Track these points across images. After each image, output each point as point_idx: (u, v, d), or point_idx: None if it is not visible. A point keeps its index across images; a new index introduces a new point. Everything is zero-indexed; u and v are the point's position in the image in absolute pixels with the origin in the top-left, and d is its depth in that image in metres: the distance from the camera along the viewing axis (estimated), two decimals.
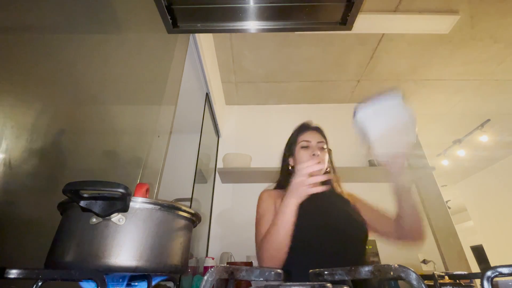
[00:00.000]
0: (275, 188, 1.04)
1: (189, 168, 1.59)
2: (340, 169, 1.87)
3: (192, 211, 0.41)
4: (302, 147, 0.98)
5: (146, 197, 0.42)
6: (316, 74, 2.11)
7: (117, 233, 0.33)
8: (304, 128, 1.04)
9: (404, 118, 0.69)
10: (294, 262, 0.83)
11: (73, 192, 0.32)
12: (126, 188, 0.32)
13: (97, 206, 0.33)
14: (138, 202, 0.35)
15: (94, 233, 0.33)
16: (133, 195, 0.38)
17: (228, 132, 2.26)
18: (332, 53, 1.90)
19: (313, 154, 0.94)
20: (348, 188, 2.10)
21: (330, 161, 1.05)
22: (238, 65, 2.01)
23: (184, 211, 0.39)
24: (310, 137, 0.99)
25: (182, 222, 0.39)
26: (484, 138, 2.79)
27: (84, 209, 0.33)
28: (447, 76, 2.10)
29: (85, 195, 0.33)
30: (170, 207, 0.37)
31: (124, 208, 0.33)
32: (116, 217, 0.33)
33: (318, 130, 1.04)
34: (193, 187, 1.46)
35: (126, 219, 0.34)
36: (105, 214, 0.33)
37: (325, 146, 0.98)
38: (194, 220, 0.42)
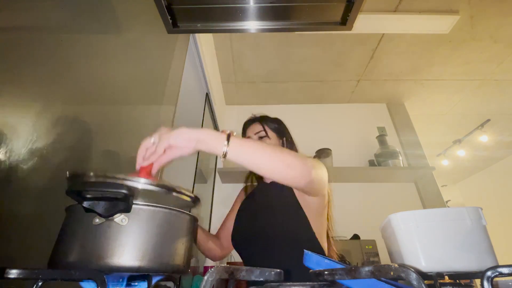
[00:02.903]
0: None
1: (189, 168, 1.59)
2: (340, 169, 1.89)
3: (192, 194, 0.41)
4: None
5: (151, 178, 0.42)
6: (316, 74, 2.11)
7: (120, 233, 0.33)
8: (245, 125, 1.04)
9: None
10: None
11: (77, 192, 0.32)
12: (129, 188, 0.32)
13: (100, 206, 0.33)
14: (140, 203, 0.35)
15: (97, 234, 0.33)
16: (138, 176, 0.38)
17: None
18: (332, 53, 1.90)
19: None
20: (348, 188, 2.10)
21: (284, 135, 1.00)
22: (238, 65, 2.01)
23: (185, 211, 0.39)
24: (250, 132, 0.98)
25: (185, 222, 0.39)
26: (484, 138, 2.79)
27: (87, 210, 0.33)
28: (447, 76, 2.10)
29: (88, 196, 0.33)
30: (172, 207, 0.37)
31: (127, 209, 0.33)
32: (118, 218, 0.33)
33: (256, 119, 1.02)
34: (193, 187, 1.46)
35: (129, 220, 0.34)
36: (108, 215, 0.33)
37: (263, 134, 0.95)
38: (196, 219, 0.42)
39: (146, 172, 0.48)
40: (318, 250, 0.79)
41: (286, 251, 0.76)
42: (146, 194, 0.37)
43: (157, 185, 0.37)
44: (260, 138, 0.95)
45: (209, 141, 0.52)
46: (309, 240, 0.79)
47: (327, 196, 0.84)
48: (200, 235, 0.89)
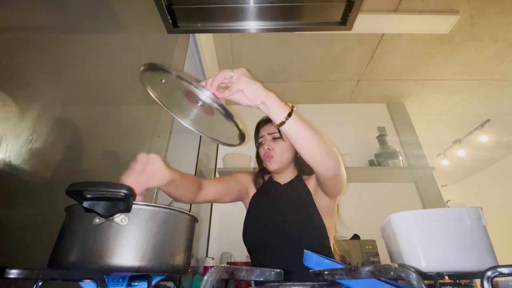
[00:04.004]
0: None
1: (189, 168, 1.59)
2: None
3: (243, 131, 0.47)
4: (260, 143, 0.98)
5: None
6: (316, 74, 2.11)
7: (120, 233, 0.33)
8: (259, 125, 1.02)
9: None
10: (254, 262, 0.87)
11: (77, 193, 0.32)
12: (129, 189, 0.32)
13: (100, 206, 0.33)
14: (140, 203, 0.35)
15: (97, 234, 0.33)
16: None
17: None
18: (332, 53, 1.90)
19: (267, 149, 0.93)
20: (348, 188, 2.10)
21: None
22: (238, 65, 2.01)
23: (186, 212, 0.39)
24: (264, 132, 0.98)
25: (185, 222, 0.39)
26: (484, 138, 2.79)
27: (87, 210, 0.33)
28: (447, 76, 2.10)
29: (88, 196, 0.33)
30: (172, 208, 0.38)
31: (127, 209, 0.33)
32: (118, 218, 0.33)
33: (271, 120, 1.00)
34: None
35: (129, 220, 0.34)
36: (108, 215, 0.33)
37: (277, 136, 0.94)
38: (196, 220, 0.42)
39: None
40: (329, 251, 0.81)
41: (302, 250, 0.76)
42: (207, 110, 0.47)
43: (223, 106, 0.45)
44: (274, 139, 0.95)
45: (273, 107, 0.57)
46: (323, 241, 0.81)
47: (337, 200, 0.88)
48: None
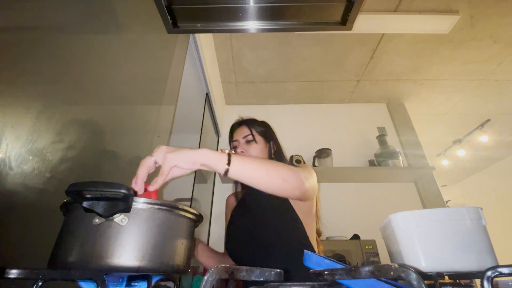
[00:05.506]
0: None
1: None
2: (340, 169, 1.89)
3: (195, 211, 0.41)
4: (234, 147, 0.99)
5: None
6: (316, 74, 2.11)
7: (120, 233, 0.33)
8: (232, 128, 1.03)
9: None
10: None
11: (76, 192, 0.32)
12: (128, 188, 0.32)
13: (100, 206, 0.33)
14: (140, 203, 0.35)
15: (96, 234, 0.33)
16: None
17: (228, 132, 2.26)
18: (332, 53, 1.90)
19: (241, 152, 0.94)
20: (348, 188, 2.10)
21: (271, 139, 1.01)
22: (238, 65, 2.01)
23: (187, 211, 0.39)
24: (237, 136, 0.98)
25: (185, 222, 0.39)
26: (484, 138, 2.79)
27: (86, 210, 0.33)
28: (447, 76, 2.10)
29: (88, 196, 0.33)
30: (173, 207, 0.37)
31: (127, 209, 0.33)
32: (118, 218, 0.33)
33: (244, 123, 1.02)
34: (193, 187, 1.46)
35: (129, 220, 0.34)
36: (108, 215, 0.33)
37: (250, 138, 0.95)
38: (196, 220, 0.42)
39: (152, 193, 0.48)
40: (307, 247, 0.80)
41: (283, 253, 0.77)
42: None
43: (162, 204, 0.37)
44: (248, 142, 0.95)
45: (211, 162, 0.55)
46: (302, 240, 0.80)
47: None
48: (211, 260, 0.91)
